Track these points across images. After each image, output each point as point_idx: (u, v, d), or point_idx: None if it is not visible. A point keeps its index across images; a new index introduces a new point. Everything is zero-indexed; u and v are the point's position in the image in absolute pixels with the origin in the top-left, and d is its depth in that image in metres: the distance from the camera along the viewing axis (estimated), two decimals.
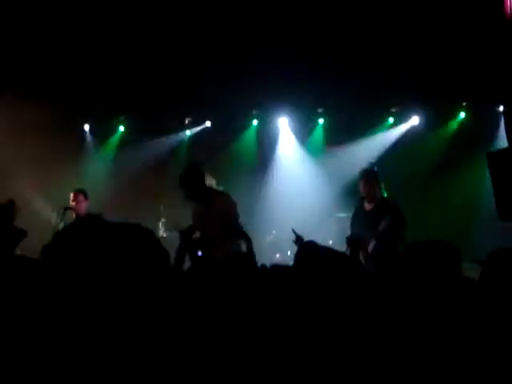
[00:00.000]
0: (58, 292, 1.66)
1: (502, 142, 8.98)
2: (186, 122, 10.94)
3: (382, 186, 6.56)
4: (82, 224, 2.01)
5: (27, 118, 9.22)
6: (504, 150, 7.62)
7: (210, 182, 9.50)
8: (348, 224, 6.74)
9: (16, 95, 8.92)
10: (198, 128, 11.01)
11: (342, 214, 9.03)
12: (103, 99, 9.83)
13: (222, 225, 5.86)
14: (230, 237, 5.86)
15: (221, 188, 9.41)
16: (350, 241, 5.35)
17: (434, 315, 2.33)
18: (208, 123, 10.94)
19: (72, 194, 7.18)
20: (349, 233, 6.29)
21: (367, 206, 6.48)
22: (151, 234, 1.86)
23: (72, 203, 7.10)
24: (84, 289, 1.65)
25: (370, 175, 6.51)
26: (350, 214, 6.91)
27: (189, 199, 6.02)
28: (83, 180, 9.42)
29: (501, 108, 9.82)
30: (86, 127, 10.70)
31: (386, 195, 6.65)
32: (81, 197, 7.17)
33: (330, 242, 8.31)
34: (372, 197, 6.41)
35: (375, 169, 6.70)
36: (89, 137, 10.78)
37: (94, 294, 1.64)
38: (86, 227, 1.86)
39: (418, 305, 2.39)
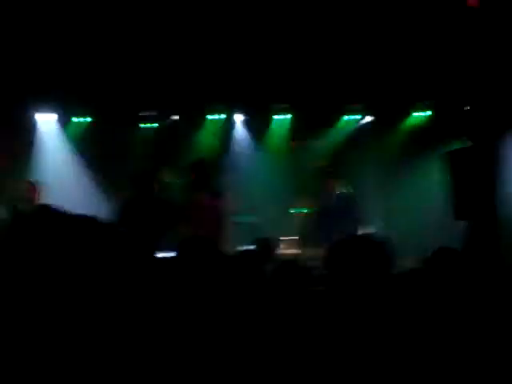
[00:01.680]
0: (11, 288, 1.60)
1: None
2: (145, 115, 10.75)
3: (342, 182, 6.67)
4: (34, 216, 1.96)
5: None
6: (465, 148, 7.68)
7: (168, 176, 9.40)
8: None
9: None
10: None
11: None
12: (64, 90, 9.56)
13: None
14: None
15: (178, 182, 9.31)
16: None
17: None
18: (174, 117, 10.75)
19: (22, 186, 7.04)
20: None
21: (329, 202, 6.59)
22: (108, 227, 1.80)
23: (22, 195, 6.95)
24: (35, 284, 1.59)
25: (330, 172, 6.66)
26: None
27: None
28: (36, 171, 9.21)
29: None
30: (37, 117, 10.38)
31: (345, 191, 6.73)
32: (32, 188, 7.04)
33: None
34: (332, 193, 6.53)
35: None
36: (40, 127, 10.45)
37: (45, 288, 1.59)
38: (37, 219, 1.81)
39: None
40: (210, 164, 6.41)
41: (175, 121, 10.70)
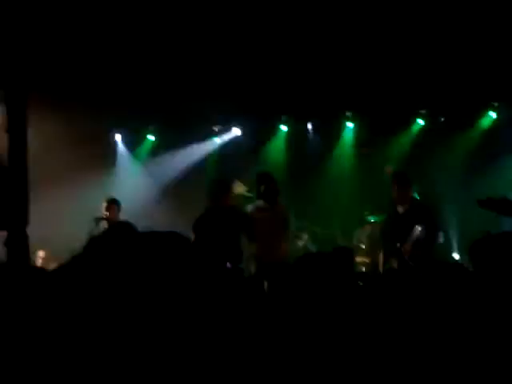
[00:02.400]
0: (85, 300, 1.69)
1: None
2: (216, 129, 11.01)
3: (415, 188, 6.51)
4: (113, 232, 2.04)
5: (58, 130, 9.41)
6: None
7: (240, 189, 9.58)
8: None
9: (45, 106, 9.08)
10: (228, 136, 11.09)
11: None
12: (133, 109, 9.96)
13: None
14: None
15: (251, 195, 9.47)
16: None
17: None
18: (237, 131, 10.99)
19: (105, 204, 7.29)
20: None
21: (400, 209, 6.43)
22: (186, 241, 1.89)
23: (105, 213, 7.21)
24: (114, 294, 1.69)
25: (402, 178, 6.47)
26: None
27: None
28: (116, 190, 9.54)
29: None
30: (118, 137, 10.87)
31: (417, 197, 6.62)
32: (113, 206, 7.28)
33: None
34: (404, 200, 6.36)
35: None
36: (121, 147, 10.93)
37: (122, 298, 1.68)
38: (117, 235, 1.88)
39: None
40: (275, 176, 6.53)
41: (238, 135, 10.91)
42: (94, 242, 1.85)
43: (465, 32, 8.47)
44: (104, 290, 1.73)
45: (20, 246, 4.35)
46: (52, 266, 5.35)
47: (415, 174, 9.45)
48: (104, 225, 7.15)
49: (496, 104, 10.08)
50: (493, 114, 10.25)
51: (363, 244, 9.16)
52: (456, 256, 9.52)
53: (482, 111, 10.28)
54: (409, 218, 6.27)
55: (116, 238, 1.88)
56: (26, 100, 4.60)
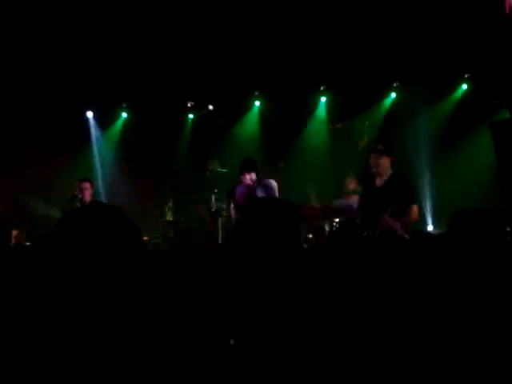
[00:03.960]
0: (58, 278, 1.68)
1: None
2: (189, 105, 10.94)
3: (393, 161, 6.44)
4: (85, 210, 2.02)
5: (27, 110, 9.31)
6: (507, 119, 7.57)
7: (214, 164, 9.60)
8: None
9: (13, 88, 8.98)
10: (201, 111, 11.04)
11: None
12: (105, 86, 9.87)
13: None
14: None
15: (224, 170, 9.49)
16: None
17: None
18: (210, 106, 10.94)
19: (78, 183, 7.25)
20: None
21: (378, 181, 6.38)
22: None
23: (78, 191, 7.18)
24: (85, 274, 1.68)
25: (381, 150, 6.37)
26: None
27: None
28: (89, 168, 9.49)
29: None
30: (89, 114, 10.74)
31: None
32: (86, 185, 7.25)
33: None
34: (382, 172, 6.30)
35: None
36: (92, 124, 10.81)
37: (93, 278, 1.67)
38: (88, 213, 1.86)
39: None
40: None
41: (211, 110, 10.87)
42: (63, 220, 1.81)
43: (437, 4, 8.48)
44: (74, 268, 1.72)
45: None
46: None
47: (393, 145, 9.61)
48: (77, 203, 7.12)
49: (467, 75, 10.15)
50: (464, 86, 10.34)
51: None
52: (430, 229, 9.64)
53: (454, 83, 10.35)
54: (387, 191, 6.23)
55: (87, 216, 1.85)
56: None
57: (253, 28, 8.96)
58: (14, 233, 8.01)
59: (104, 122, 10.89)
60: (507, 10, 6.67)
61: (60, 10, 8.33)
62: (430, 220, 9.89)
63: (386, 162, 6.27)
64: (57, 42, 8.82)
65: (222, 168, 9.50)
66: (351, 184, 8.63)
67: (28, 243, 6.44)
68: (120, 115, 10.93)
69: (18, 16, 8.25)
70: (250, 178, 6.82)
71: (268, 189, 6.87)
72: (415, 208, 6.26)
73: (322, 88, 10.65)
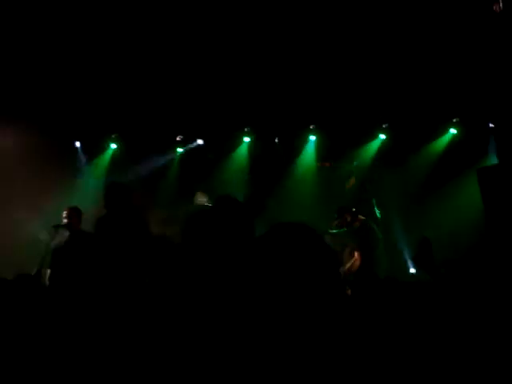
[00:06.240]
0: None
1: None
2: (178, 139, 10.96)
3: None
4: (75, 240, 2.06)
5: (16, 140, 9.30)
6: (494, 165, 7.66)
7: (202, 199, 9.58)
8: None
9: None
10: (190, 146, 11.07)
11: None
12: (94, 118, 9.88)
13: None
14: None
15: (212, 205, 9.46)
16: None
17: None
18: (199, 141, 10.97)
19: (65, 212, 7.21)
20: None
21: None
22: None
23: (64, 220, 7.13)
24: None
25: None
26: None
27: None
28: (76, 197, 9.43)
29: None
30: (77, 144, 10.72)
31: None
32: (73, 213, 7.20)
33: None
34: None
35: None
36: (81, 154, 10.78)
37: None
38: (79, 243, 1.90)
39: None
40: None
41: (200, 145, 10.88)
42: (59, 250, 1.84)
43: (426, 49, 8.61)
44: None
45: None
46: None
47: (375, 187, 9.67)
48: (64, 232, 7.07)
49: (455, 120, 10.27)
50: (453, 130, 10.45)
51: None
52: (412, 271, 9.68)
53: (442, 127, 10.47)
54: None
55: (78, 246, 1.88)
56: None
57: (245, 64, 9.04)
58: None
59: (93, 151, 10.86)
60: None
61: (53, 40, 8.36)
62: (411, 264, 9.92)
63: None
64: (51, 72, 8.84)
65: (210, 202, 9.47)
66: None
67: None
68: (109, 146, 10.92)
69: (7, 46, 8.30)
70: None
71: None
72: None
73: (311, 127, 10.72)
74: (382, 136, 10.69)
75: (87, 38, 8.41)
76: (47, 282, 6.44)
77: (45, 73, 8.90)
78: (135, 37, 8.49)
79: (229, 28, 8.37)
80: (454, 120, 10.31)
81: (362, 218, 8.09)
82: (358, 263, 7.11)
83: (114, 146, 10.90)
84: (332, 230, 8.16)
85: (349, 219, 7.84)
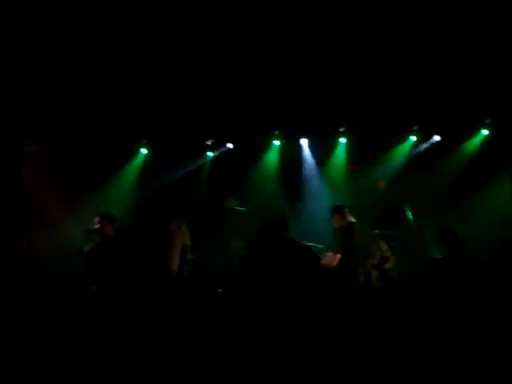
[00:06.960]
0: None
1: None
2: (208, 143, 11.00)
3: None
4: (108, 243, 2.11)
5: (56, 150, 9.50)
6: None
7: (232, 203, 9.61)
8: None
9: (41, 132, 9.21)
10: (220, 150, 11.11)
11: None
12: (125, 123, 9.98)
13: None
14: None
15: (243, 209, 9.49)
16: None
17: None
18: (229, 145, 11.01)
19: (96, 218, 7.33)
20: None
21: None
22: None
23: (97, 226, 7.24)
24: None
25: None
26: None
27: None
28: (108, 203, 9.55)
29: None
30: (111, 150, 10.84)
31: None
32: (105, 220, 7.31)
33: None
34: None
35: None
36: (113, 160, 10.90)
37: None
38: (112, 245, 1.95)
39: None
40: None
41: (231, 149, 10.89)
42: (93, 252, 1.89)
43: (458, 50, 8.53)
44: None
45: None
46: None
47: (406, 190, 9.58)
48: (97, 238, 7.17)
49: (488, 121, 10.12)
50: (485, 131, 10.30)
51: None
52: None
53: (475, 128, 10.32)
54: None
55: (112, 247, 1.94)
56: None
57: (274, 68, 9.04)
58: None
59: (124, 157, 10.97)
60: None
61: (80, 49, 8.50)
62: None
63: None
64: (83, 81, 8.98)
65: (240, 207, 9.50)
66: None
67: None
68: (139, 151, 11.01)
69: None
70: None
71: None
72: None
73: (341, 129, 10.66)
74: (413, 138, 10.59)
75: (115, 45, 8.51)
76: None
77: (77, 82, 9.04)
78: (166, 42, 8.57)
79: (257, 32, 8.40)
80: (487, 121, 10.16)
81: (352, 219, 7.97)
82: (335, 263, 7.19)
83: (144, 151, 11.00)
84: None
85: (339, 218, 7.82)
